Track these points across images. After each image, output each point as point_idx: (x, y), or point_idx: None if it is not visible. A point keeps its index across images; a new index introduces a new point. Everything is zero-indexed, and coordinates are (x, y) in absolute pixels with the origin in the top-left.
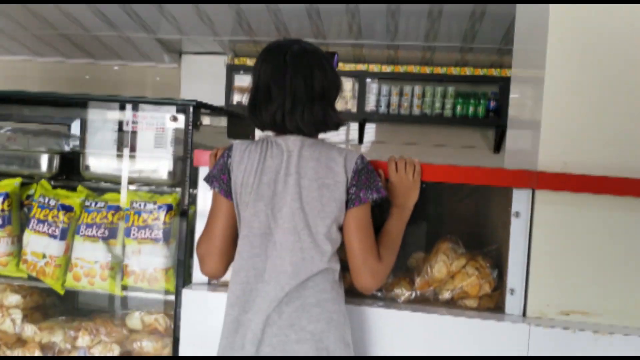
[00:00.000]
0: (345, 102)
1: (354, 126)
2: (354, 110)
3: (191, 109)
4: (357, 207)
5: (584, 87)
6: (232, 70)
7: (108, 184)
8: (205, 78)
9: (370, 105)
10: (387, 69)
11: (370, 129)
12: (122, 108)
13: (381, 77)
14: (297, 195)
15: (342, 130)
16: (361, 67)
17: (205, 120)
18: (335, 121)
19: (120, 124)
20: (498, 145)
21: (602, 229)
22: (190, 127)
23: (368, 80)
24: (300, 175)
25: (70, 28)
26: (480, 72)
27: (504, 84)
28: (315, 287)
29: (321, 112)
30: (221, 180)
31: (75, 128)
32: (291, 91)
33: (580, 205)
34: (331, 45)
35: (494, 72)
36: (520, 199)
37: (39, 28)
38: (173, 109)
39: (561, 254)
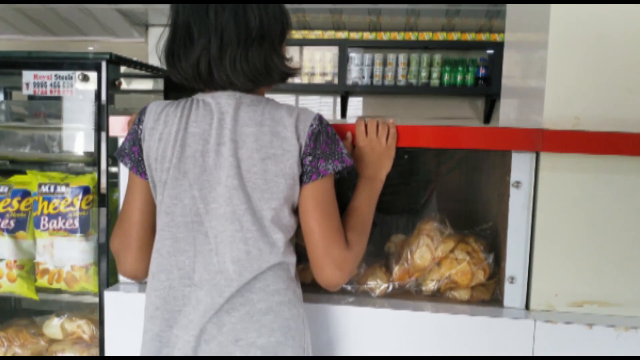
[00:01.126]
0: (326, 74)
1: (336, 100)
2: (335, 82)
3: (103, 65)
4: (315, 182)
5: (595, 35)
6: None
7: (16, 165)
8: None
9: (352, 77)
10: (369, 36)
11: (354, 102)
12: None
13: (363, 45)
14: (234, 171)
15: (325, 104)
16: (341, 35)
17: (139, 84)
18: (280, 70)
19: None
20: (488, 116)
21: (625, 199)
22: (107, 88)
23: (349, 49)
24: (238, 145)
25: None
26: (468, 37)
27: (494, 49)
28: (265, 288)
29: (260, 58)
30: (132, 153)
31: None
32: (217, 30)
33: (597, 171)
34: (307, 10)
35: (483, 37)
36: (520, 164)
37: None
38: (84, 66)
39: (572, 232)
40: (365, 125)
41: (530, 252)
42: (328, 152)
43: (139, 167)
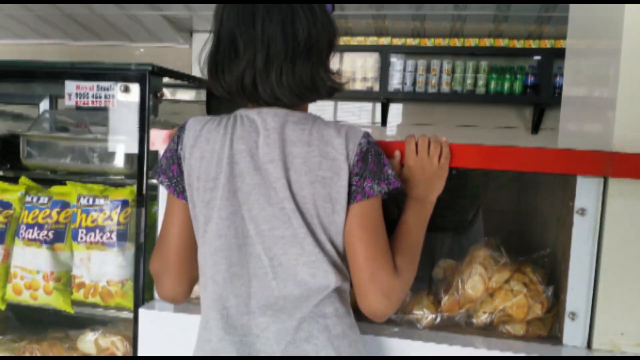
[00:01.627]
0: (367, 80)
1: (377, 107)
2: (377, 89)
3: (147, 77)
4: (360, 203)
5: None
6: None
7: (57, 175)
8: None
9: (394, 84)
10: (412, 42)
11: (394, 109)
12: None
13: (406, 51)
14: (289, 193)
15: (364, 111)
16: (383, 40)
17: (182, 94)
18: (328, 85)
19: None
20: (536, 126)
21: None
22: (148, 100)
23: (391, 55)
24: (287, 166)
25: (74, 7)
26: (516, 43)
27: (544, 56)
28: (336, 312)
29: (307, 72)
30: (170, 172)
31: (45, 106)
32: (264, 42)
33: None
34: (350, 17)
35: (532, 43)
36: (587, 190)
37: (43, 8)
38: (126, 78)
39: None
40: (416, 144)
41: (594, 286)
42: (375, 172)
43: (176, 188)
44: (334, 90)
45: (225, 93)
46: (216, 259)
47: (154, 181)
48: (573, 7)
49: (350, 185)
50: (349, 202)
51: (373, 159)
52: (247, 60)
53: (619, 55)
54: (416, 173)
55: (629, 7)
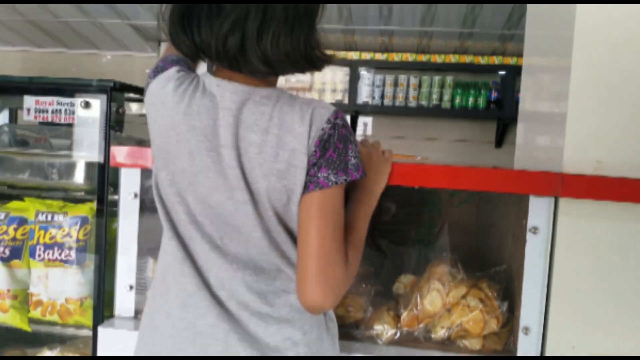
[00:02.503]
0: (336, 92)
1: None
2: (346, 101)
3: (109, 92)
4: (314, 193)
5: (623, 70)
6: None
7: (15, 190)
8: None
9: (363, 97)
10: (380, 57)
11: (363, 122)
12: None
13: (375, 66)
14: (242, 184)
15: None
16: (352, 55)
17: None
18: (321, 57)
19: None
20: (500, 140)
21: None
22: (109, 115)
23: (360, 69)
24: (240, 152)
25: (36, 14)
26: (481, 60)
27: (507, 72)
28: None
29: (304, 38)
30: None
31: (4, 119)
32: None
33: (620, 219)
34: (319, 31)
35: (496, 60)
36: (538, 209)
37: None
38: (87, 93)
39: (592, 282)
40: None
41: (546, 301)
42: (334, 161)
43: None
44: (325, 61)
45: (194, 52)
46: (167, 236)
47: (114, 197)
48: (529, 25)
49: (308, 175)
50: (303, 192)
51: (335, 145)
52: (233, 19)
53: (569, 73)
54: (365, 160)
55: (579, 25)
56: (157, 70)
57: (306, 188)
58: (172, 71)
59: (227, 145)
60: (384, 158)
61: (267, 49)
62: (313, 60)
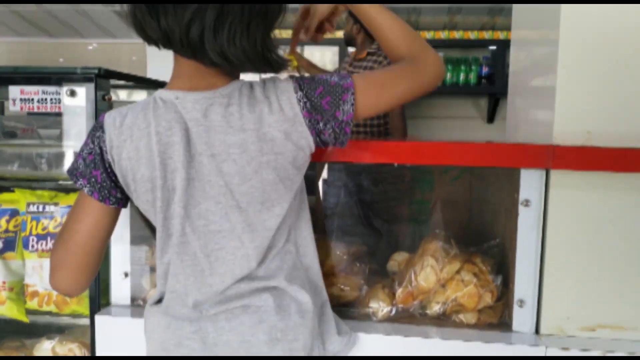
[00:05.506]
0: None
1: None
2: None
3: (94, 80)
4: (353, 107)
5: (610, 40)
6: None
7: (4, 182)
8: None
9: None
10: None
11: None
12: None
13: None
14: (224, 189)
15: None
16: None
17: (139, 95)
18: (277, 54)
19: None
20: (492, 115)
21: None
22: (95, 103)
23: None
24: (221, 158)
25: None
26: (470, 35)
27: (498, 47)
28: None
29: (259, 37)
30: (92, 178)
31: None
32: None
33: (611, 189)
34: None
35: (486, 34)
36: (530, 182)
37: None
38: (72, 81)
39: (584, 253)
40: None
41: (540, 273)
42: (331, 100)
43: (101, 193)
44: (281, 65)
45: (161, 38)
46: (167, 258)
47: None
48: None
49: (331, 133)
50: (347, 135)
51: (320, 95)
52: (194, 10)
53: (557, 45)
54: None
55: None
56: (98, 126)
57: (345, 133)
58: (111, 115)
59: (203, 153)
60: None
61: (223, 43)
62: (270, 62)
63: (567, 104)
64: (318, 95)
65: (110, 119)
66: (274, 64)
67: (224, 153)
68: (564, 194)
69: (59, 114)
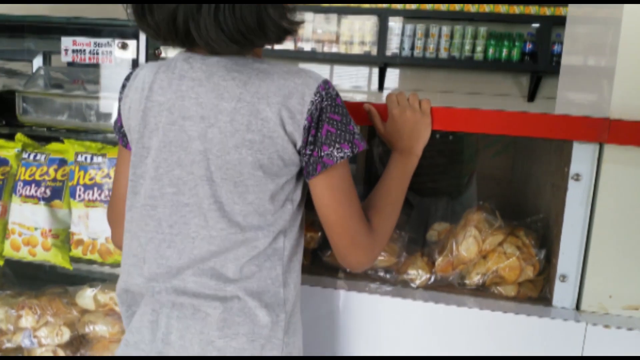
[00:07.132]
0: (364, 44)
1: (374, 72)
2: (374, 53)
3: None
4: (322, 174)
5: None
6: None
7: (54, 132)
8: None
9: (392, 48)
10: (411, 6)
11: (392, 74)
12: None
13: (405, 15)
14: (200, 157)
15: (362, 75)
16: (382, 4)
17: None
18: (278, 25)
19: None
20: (533, 94)
21: None
22: (146, 57)
23: (390, 19)
24: (210, 122)
25: None
26: (516, 9)
27: (542, 24)
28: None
29: (252, 12)
30: (117, 124)
31: (38, 63)
32: None
33: None
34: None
35: (532, 9)
36: (582, 156)
37: None
38: (123, 34)
39: (633, 231)
40: (397, 97)
41: (585, 250)
42: (334, 134)
43: (124, 138)
44: (286, 32)
45: (155, 36)
46: (129, 215)
47: None
48: None
49: (306, 154)
50: (309, 174)
51: (330, 117)
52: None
53: (619, 24)
54: (400, 122)
55: None
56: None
57: (314, 170)
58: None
59: (191, 117)
60: (421, 112)
61: (206, 28)
62: (268, 35)
63: (626, 81)
64: (328, 118)
65: (137, 70)
66: (275, 36)
67: (213, 117)
68: (617, 169)
69: (97, 67)
